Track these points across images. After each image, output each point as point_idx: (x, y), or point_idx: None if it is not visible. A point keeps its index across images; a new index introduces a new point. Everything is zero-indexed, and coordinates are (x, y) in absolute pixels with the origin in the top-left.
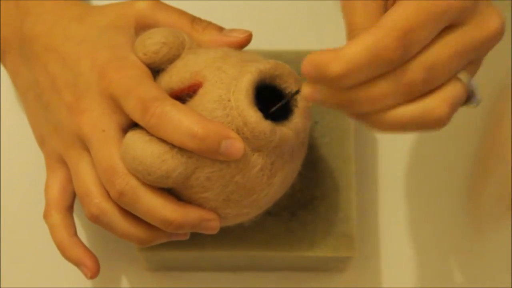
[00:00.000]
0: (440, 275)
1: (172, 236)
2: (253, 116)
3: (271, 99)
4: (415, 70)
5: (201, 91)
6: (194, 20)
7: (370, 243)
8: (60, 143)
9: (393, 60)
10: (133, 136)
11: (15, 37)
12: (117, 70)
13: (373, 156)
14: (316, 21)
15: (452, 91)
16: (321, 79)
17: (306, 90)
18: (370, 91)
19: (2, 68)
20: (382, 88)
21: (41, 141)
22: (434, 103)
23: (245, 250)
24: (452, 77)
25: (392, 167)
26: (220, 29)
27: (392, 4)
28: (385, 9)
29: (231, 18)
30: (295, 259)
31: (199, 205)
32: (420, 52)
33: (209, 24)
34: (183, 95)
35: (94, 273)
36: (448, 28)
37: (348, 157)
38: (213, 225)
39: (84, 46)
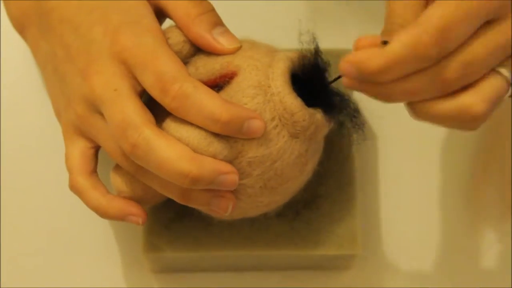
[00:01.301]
0: (440, 275)
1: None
2: (294, 102)
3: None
4: (452, 67)
5: (238, 79)
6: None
7: (373, 241)
8: (75, 114)
9: (431, 57)
10: (174, 120)
11: (34, 11)
12: (129, 36)
13: (375, 154)
14: (317, 21)
15: (491, 87)
16: (360, 75)
17: (345, 80)
18: (406, 85)
19: (2, 68)
20: (417, 83)
21: (58, 114)
22: (471, 100)
23: (250, 250)
24: (491, 71)
25: (393, 165)
26: (215, 24)
27: (432, 2)
28: (426, 7)
29: (231, 18)
30: (299, 257)
31: (236, 192)
32: (457, 48)
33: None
34: (212, 86)
35: (144, 218)
36: (486, 23)
37: (350, 155)
38: (231, 179)
39: (96, 13)
